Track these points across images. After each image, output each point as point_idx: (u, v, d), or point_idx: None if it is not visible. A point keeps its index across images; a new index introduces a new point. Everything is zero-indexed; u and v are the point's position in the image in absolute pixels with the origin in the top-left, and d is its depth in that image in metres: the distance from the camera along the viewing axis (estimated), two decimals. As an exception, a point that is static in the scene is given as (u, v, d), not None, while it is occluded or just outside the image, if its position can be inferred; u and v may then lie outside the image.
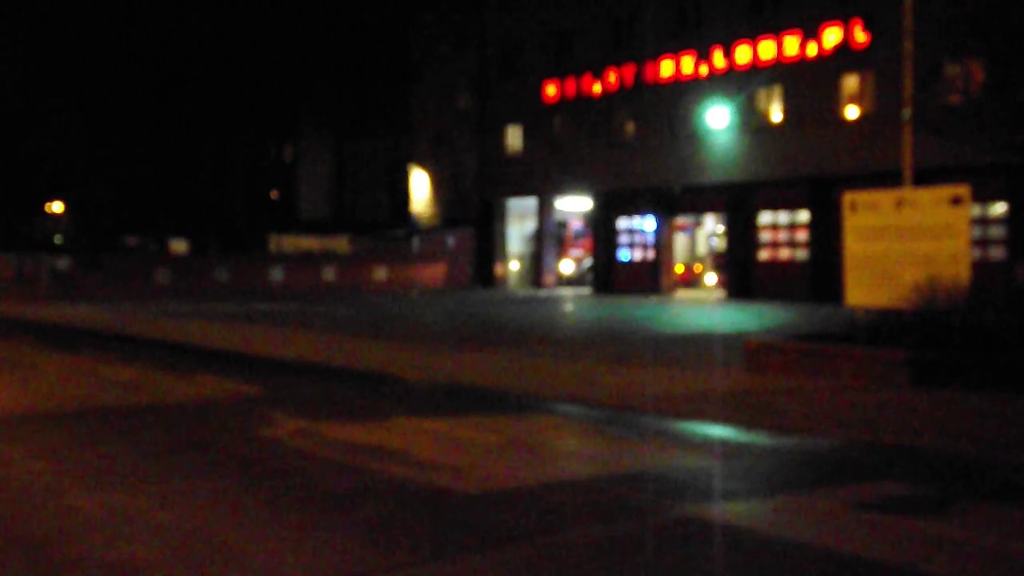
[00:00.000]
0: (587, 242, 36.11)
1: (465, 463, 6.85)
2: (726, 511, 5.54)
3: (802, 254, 27.36)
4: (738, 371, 11.28)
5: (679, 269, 32.87)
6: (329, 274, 35.25)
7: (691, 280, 33.72)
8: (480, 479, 6.34)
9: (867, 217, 10.79)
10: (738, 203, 29.03)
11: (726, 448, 7.46)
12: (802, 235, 27.47)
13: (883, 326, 10.26)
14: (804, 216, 27.33)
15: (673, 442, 7.75)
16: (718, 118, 28.98)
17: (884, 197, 10.77)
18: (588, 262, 35.84)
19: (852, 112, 26.21)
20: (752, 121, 28.59)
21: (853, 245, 11.01)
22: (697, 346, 14.68)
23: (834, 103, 26.21)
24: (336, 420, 8.69)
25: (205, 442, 7.72)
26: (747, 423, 8.33)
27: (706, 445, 7.63)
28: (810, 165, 26.55)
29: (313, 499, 5.89)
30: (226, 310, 24.60)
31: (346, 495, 5.98)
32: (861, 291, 10.87)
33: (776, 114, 28.22)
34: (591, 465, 6.89)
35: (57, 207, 55.00)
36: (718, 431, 8.15)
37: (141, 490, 6.10)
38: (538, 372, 11.75)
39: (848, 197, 11.07)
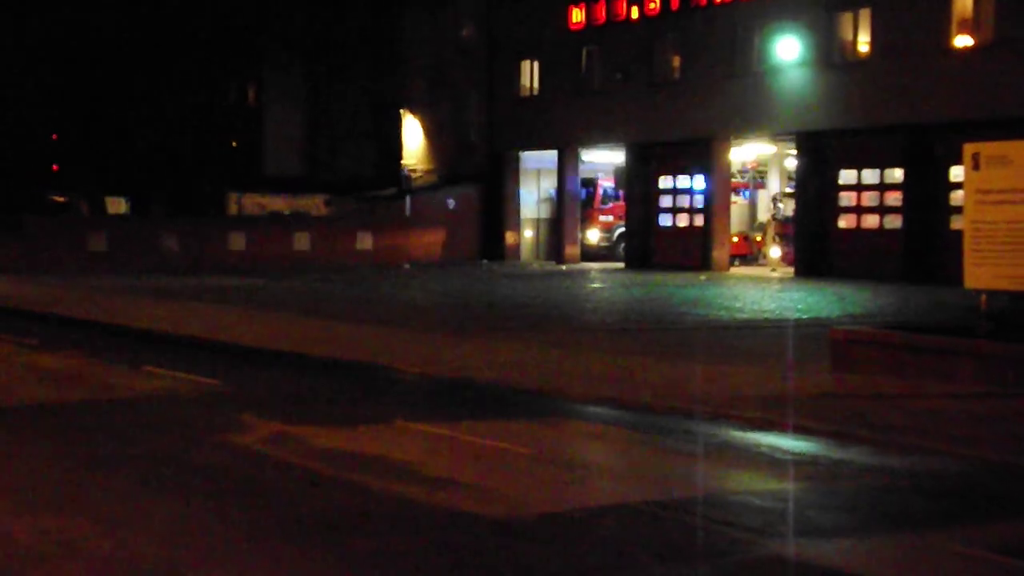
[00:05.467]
0: (619, 206, 35.82)
1: (487, 481, 6.67)
2: (822, 551, 5.34)
3: (894, 222, 26.96)
4: (821, 369, 11.06)
5: (734, 240, 32.57)
6: (302, 242, 35.11)
7: (749, 253, 33.43)
8: (508, 502, 6.16)
9: (995, 175, 10.48)
10: (812, 157, 28.65)
11: (814, 468, 7.26)
12: (894, 198, 27.05)
13: (1014, 315, 9.99)
14: (897, 174, 26.91)
15: (743, 458, 7.56)
16: (788, 50, 28.53)
17: (1019, 149, 10.45)
18: (620, 230, 35.59)
19: (964, 41, 25.69)
20: (832, 54, 28.13)
21: (975, 211, 10.71)
22: (764, 336, 14.47)
23: (940, 30, 25.63)
24: (322, 423, 8.53)
25: (159, 450, 7.56)
26: (837, 436, 8.12)
27: (786, 463, 7.43)
28: (906, 110, 26.06)
29: (299, 524, 5.72)
30: (177, 285, 24.52)
31: (341, 520, 5.81)
32: (985, 270, 10.58)
33: (863, 44, 27.75)
34: (643, 485, 6.69)
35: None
36: (801, 445, 7.95)
37: (81, 511, 5.94)
38: (566, 366, 11.58)
39: (970, 149, 10.76)
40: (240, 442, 7.82)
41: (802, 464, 7.37)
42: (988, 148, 10.74)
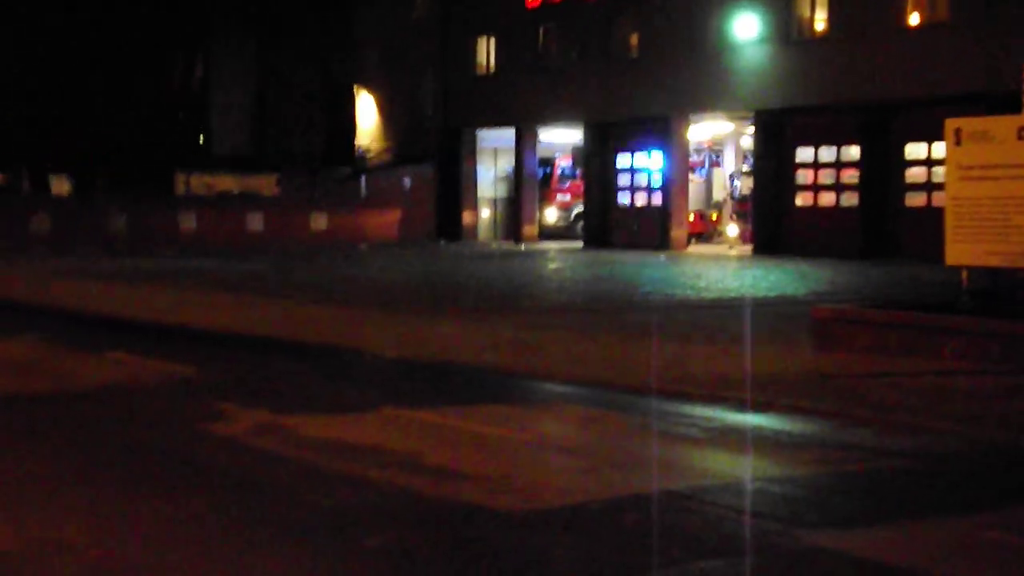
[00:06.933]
0: (577, 185, 35.59)
1: (494, 470, 6.36)
2: (857, 542, 5.11)
3: (851, 199, 27.11)
4: (805, 348, 10.91)
5: (691, 218, 32.51)
6: (254, 222, 34.35)
7: (705, 231, 33.42)
8: (520, 493, 5.86)
9: (977, 151, 10.38)
10: (769, 135, 28.65)
11: (822, 451, 7.06)
12: (851, 175, 27.19)
13: (997, 292, 9.92)
14: (854, 151, 27.03)
15: (749, 443, 7.33)
16: (746, 28, 28.44)
17: (1001, 125, 10.37)
18: (578, 209, 35.37)
19: (919, 19, 25.79)
20: (790, 31, 28.10)
21: (957, 187, 10.62)
22: (736, 315, 14.32)
23: (896, 8, 25.72)
24: (306, 411, 8.13)
25: (139, 444, 7.11)
26: (837, 416, 7.95)
27: (793, 447, 7.23)
28: (862, 87, 26.13)
29: (302, 521, 5.36)
30: (127, 267, 23.75)
31: (347, 515, 5.46)
32: (967, 246, 10.50)
33: (820, 22, 27.76)
34: (657, 474, 6.42)
35: None
36: (802, 427, 7.78)
37: (66, 515, 5.50)
38: (545, 348, 11.31)
39: (952, 125, 10.65)
40: (224, 433, 7.40)
41: (809, 447, 7.17)
42: (970, 124, 10.64)
